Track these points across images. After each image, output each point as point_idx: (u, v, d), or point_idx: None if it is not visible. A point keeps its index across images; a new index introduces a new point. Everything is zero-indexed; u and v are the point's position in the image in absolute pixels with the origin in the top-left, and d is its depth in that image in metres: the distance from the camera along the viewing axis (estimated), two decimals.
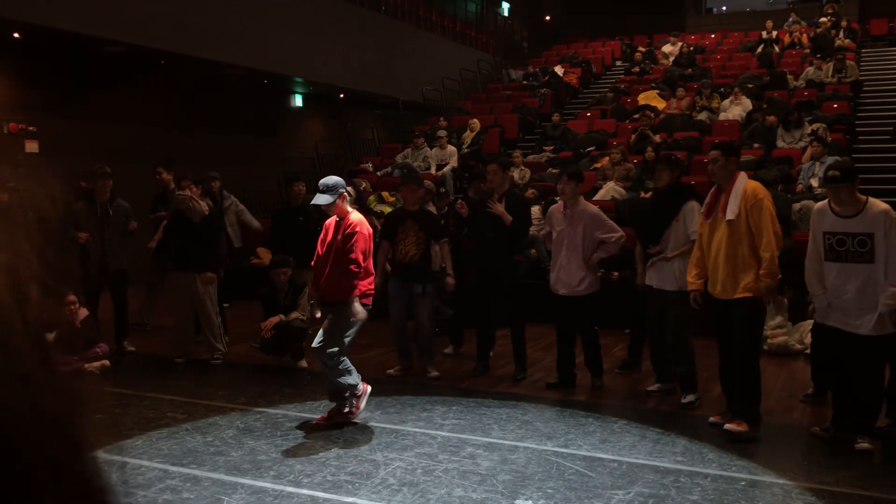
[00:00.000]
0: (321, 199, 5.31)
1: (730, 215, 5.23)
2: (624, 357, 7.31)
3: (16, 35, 10.95)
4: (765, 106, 12.90)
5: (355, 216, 5.43)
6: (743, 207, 5.18)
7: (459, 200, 6.90)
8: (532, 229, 8.54)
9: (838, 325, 5.04)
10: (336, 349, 5.30)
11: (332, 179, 5.41)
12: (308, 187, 13.48)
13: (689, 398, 5.99)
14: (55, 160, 11.83)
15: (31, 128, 11.73)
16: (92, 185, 7.86)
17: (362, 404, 5.48)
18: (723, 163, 5.34)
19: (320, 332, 5.38)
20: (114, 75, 12.77)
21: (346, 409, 5.47)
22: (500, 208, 6.60)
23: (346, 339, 5.38)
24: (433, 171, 13.15)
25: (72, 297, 7.07)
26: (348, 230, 5.31)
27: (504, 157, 7.38)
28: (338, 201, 5.33)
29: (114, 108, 12.82)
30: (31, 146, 11.77)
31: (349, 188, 5.55)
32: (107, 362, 7.12)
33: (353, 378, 5.41)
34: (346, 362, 5.38)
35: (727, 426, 5.30)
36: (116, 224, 7.78)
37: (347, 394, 5.42)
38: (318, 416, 5.62)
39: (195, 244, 7.33)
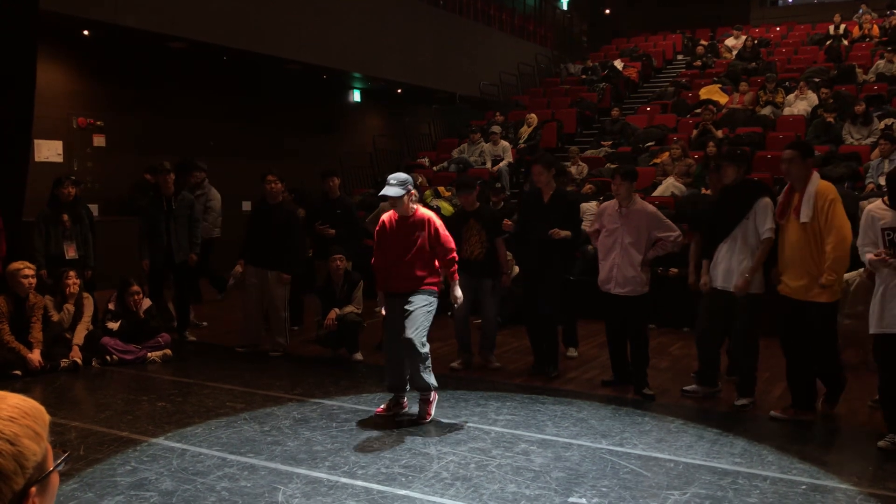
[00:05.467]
0: (392, 191, 5.31)
1: (804, 218, 5.30)
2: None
3: (85, 32, 11.28)
4: (830, 101, 12.53)
5: (424, 211, 5.49)
6: (816, 209, 5.24)
7: (506, 220, 6.96)
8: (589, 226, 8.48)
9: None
10: (423, 338, 5.39)
11: (403, 175, 5.47)
12: (360, 181, 13.60)
13: (743, 402, 5.86)
14: (121, 154, 12.17)
15: (98, 122, 12.07)
16: (156, 181, 8.15)
17: (433, 410, 5.51)
18: (799, 163, 5.37)
19: (405, 323, 5.38)
20: (177, 71, 13.05)
21: (423, 412, 5.51)
22: (561, 234, 6.55)
23: (427, 328, 5.45)
24: (489, 165, 13.14)
25: (136, 288, 7.28)
26: (437, 232, 5.39)
27: (548, 155, 7.30)
28: (405, 197, 5.35)
29: (177, 103, 13.11)
30: (99, 140, 12.12)
31: (415, 190, 5.57)
32: (169, 352, 7.30)
33: (433, 379, 5.49)
34: (429, 359, 5.48)
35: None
36: (181, 217, 7.97)
37: (429, 388, 5.48)
38: (377, 408, 5.67)
39: (271, 242, 7.46)
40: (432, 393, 5.51)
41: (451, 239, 5.53)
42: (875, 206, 5.01)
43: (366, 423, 5.38)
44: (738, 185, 5.89)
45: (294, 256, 7.64)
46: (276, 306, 7.59)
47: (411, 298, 5.40)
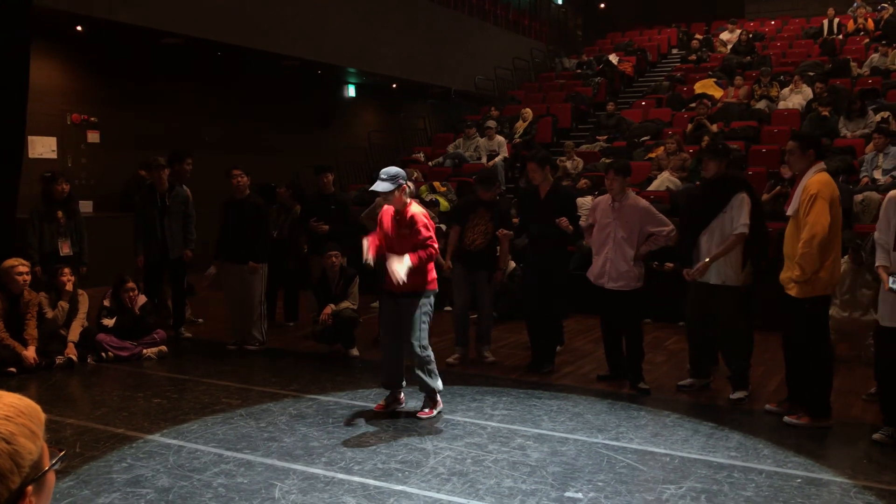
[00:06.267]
0: (381, 186, 5.21)
1: (789, 210, 5.27)
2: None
3: (78, 28, 11.23)
4: (825, 94, 12.54)
5: (415, 208, 5.36)
6: (800, 202, 5.14)
7: (502, 230, 6.92)
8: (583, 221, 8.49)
9: None
10: (422, 341, 5.33)
11: (394, 169, 5.33)
12: (356, 177, 13.57)
13: (739, 395, 5.88)
14: (116, 150, 12.13)
15: (92, 118, 12.03)
16: (150, 177, 8.13)
17: (434, 412, 5.46)
18: (798, 155, 5.27)
19: (406, 329, 5.33)
20: (172, 67, 13.01)
21: (421, 410, 5.47)
22: (565, 223, 6.49)
23: (426, 329, 5.39)
24: (484, 160, 13.12)
25: (131, 285, 7.27)
26: (416, 226, 5.25)
27: (542, 152, 7.28)
28: (396, 192, 5.25)
29: (172, 98, 13.07)
30: (93, 136, 12.08)
31: (409, 183, 5.45)
32: (164, 348, 7.29)
33: (439, 383, 5.45)
34: (434, 362, 5.43)
35: (786, 418, 5.31)
36: (175, 213, 7.96)
37: (433, 391, 5.43)
38: (375, 405, 5.67)
39: (243, 236, 7.45)
40: (437, 396, 5.49)
41: (431, 233, 5.31)
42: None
43: (362, 419, 5.38)
44: (717, 179, 5.93)
45: (263, 246, 7.61)
46: (251, 300, 7.57)
47: (409, 301, 5.34)
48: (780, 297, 5.39)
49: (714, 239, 5.82)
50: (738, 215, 5.73)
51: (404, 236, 5.31)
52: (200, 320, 8.90)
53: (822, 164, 5.29)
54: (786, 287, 5.28)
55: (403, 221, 5.33)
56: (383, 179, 5.25)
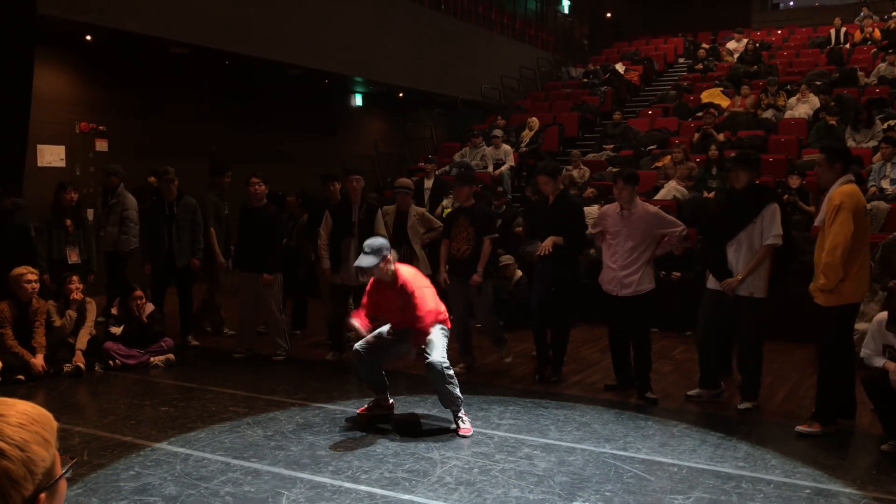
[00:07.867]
0: (365, 261, 5.15)
1: (817, 221, 5.36)
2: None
3: (87, 37, 11.30)
4: (832, 104, 12.53)
5: (405, 273, 5.32)
6: (826, 214, 5.20)
7: (527, 250, 6.92)
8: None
9: None
10: (445, 360, 5.25)
11: (378, 242, 5.27)
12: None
13: (746, 405, 5.85)
14: (124, 159, 12.17)
15: (101, 127, 12.08)
16: (158, 186, 8.17)
17: (469, 424, 5.34)
18: (825, 167, 5.32)
19: (426, 349, 5.27)
20: (179, 76, 13.07)
21: (459, 427, 5.32)
22: (548, 245, 6.46)
23: (444, 346, 5.34)
24: (491, 169, 13.14)
25: (139, 293, 7.29)
26: (413, 298, 5.19)
27: (551, 163, 7.24)
28: (381, 264, 5.18)
29: (179, 107, 13.11)
30: (101, 145, 12.14)
31: (391, 255, 5.33)
32: (171, 356, 7.31)
33: (459, 391, 5.34)
34: (454, 376, 5.34)
35: (798, 427, 5.30)
36: (183, 222, 7.98)
37: (458, 402, 5.33)
38: (359, 409, 5.66)
39: (258, 244, 7.47)
40: (461, 409, 5.37)
41: (425, 304, 5.24)
42: (881, 319, 5.03)
43: (369, 428, 5.38)
44: (747, 189, 5.87)
45: (276, 257, 7.61)
46: (270, 309, 7.59)
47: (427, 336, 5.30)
48: (812, 307, 5.41)
49: (742, 250, 5.77)
50: (771, 226, 5.68)
51: (398, 307, 5.27)
52: (208, 328, 8.84)
53: (849, 176, 5.31)
54: (814, 297, 5.29)
55: (395, 289, 5.28)
56: (367, 253, 5.17)
